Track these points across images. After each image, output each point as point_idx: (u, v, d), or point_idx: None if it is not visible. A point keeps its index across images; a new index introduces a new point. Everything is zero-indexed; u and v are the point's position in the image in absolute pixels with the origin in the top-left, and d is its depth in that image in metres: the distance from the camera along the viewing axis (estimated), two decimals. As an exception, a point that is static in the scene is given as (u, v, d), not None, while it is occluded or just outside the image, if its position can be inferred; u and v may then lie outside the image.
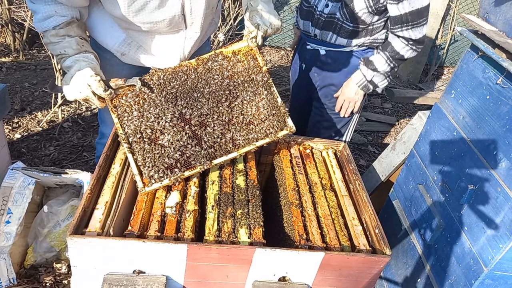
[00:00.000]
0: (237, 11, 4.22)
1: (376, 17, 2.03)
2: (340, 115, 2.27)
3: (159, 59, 1.84)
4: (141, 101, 1.60)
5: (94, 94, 1.50)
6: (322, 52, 2.19)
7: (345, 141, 2.38)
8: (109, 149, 1.64)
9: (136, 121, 1.57)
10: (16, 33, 4.24)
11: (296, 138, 1.95)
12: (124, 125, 1.57)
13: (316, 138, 2.00)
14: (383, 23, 2.07)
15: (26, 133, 3.16)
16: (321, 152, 1.98)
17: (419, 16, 1.94)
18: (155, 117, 1.58)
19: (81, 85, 1.48)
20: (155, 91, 1.61)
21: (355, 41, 2.11)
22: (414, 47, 2.02)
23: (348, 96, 2.17)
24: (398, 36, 2.01)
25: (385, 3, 1.95)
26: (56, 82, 3.16)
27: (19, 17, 4.18)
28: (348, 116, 2.28)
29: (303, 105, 2.45)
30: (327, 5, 2.08)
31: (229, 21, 4.26)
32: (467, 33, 1.57)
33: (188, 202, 1.52)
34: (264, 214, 1.51)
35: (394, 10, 1.95)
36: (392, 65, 2.07)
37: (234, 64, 1.70)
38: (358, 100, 2.17)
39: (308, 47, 2.24)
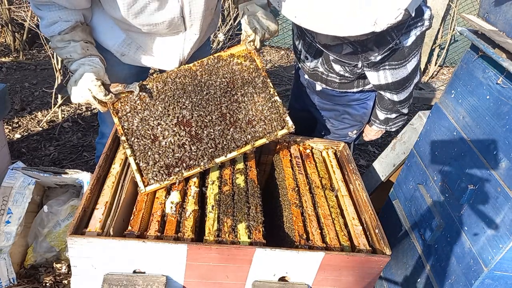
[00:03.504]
0: (237, 11, 4.22)
1: (359, 70, 1.83)
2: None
3: (159, 60, 1.85)
4: (142, 104, 1.62)
5: (95, 98, 1.53)
6: (318, 88, 2.06)
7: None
8: (109, 149, 1.64)
9: (137, 123, 1.59)
10: (16, 33, 4.24)
11: (296, 138, 1.95)
12: (125, 127, 1.59)
13: (316, 138, 2.00)
14: None
15: (26, 133, 3.16)
16: (321, 152, 1.98)
17: (404, 82, 1.77)
18: (155, 119, 1.60)
19: (83, 90, 1.52)
20: (155, 94, 1.63)
21: (349, 90, 1.97)
22: (401, 107, 1.93)
23: (373, 138, 2.27)
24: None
25: (363, 68, 1.76)
26: (57, 82, 3.17)
27: (19, 17, 4.18)
28: (353, 137, 2.24)
29: (301, 110, 2.32)
30: (307, 58, 1.93)
31: (229, 21, 4.26)
32: (467, 33, 1.57)
33: (188, 202, 1.52)
34: (264, 214, 1.51)
35: (373, 79, 1.78)
36: (395, 113, 2.01)
37: (233, 67, 1.72)
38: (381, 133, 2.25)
39: (306, 76, 2.08)
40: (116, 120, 1.60)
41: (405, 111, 2.01)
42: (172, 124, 1.59)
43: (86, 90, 1.51)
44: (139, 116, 1.60)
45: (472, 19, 1.63)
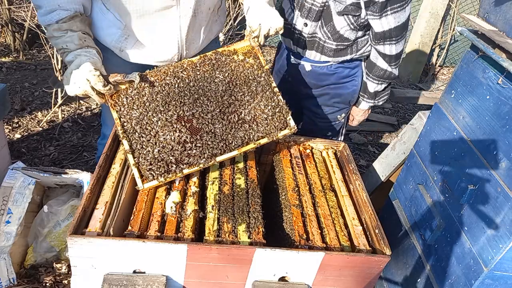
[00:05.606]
0: (237, 11, 4.22)
1: (360, 33, 1.97)
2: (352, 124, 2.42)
3: (158, 49, 1.80)
4: (141, 98, 1.58)
5: (93, 89, 1.49)
6: (308, 68, 2.13)
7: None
8: (109, 149, 1.64)
9: (136, 117, 1.56)
10: (16, 33, 4.24)
11: (296, 138, 1.95)
12: (124, 122, 1.56)
13: (316, 138, 2.00)
14: (367, 37, 2.02)
15: (26, 133, 3.16)
16: (321, 152, 1.98)
17: (402, 29, 1.90)
18: (155, 114, 1.56)
19: (80, 80, 1.47)
20: (155, 88, 1.60)
21: (340, 58, 2.06)
22: (394, 64, 2.01)
23: (361, 119, 2.35)
24: (379, 53, 1.99)
25: (366, 18, 1.88)
26: (59, 79, 3.17)
27: (19, 17, 4.18)
28: (341, 121, 2.31)
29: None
30: (305, 24, 2.00)
31: (229, 21, 4.25)
32: (467, 33, 1.57)
33: (188, 202, 1.52)
34: (264, 214, 1.51)
35: (377, 26, 1.89)
36: (385, 83, 2.10)
37: (236, 63, 1.70)
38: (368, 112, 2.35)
39: (292, 61, 2.17)
40: (114, 114, 1.56)
41: (396, 72, 2.06)
42: (172, 120, 1.56)
43: (84, 80, 1.46)
44: (138, 110, 1.56)
45: (472, 19, 1.63)
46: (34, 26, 3.75)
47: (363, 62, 2.15)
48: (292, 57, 2.17)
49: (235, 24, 4.32)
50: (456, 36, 5.36)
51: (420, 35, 5.03)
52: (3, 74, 3.93)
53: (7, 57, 4.25)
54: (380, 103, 2.22)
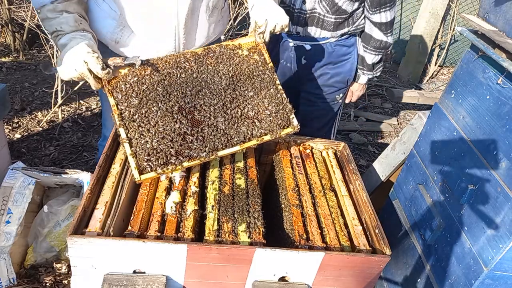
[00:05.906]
0: (237, 11, 4.22)
1: (357, 4, 2.09)
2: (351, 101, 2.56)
3: (153, 35, 1.75)
4: (141, 86, 1.53)
5: (90, 72, 1.41)
6: (307, 47, 2.22)
7: (336, 128, 2.58)
8: (109, 149, 1.64)
9: (134, 105, 1.50)
10: (16, 33, 4.24)
11: (296, 138, 1.95)
12: (122, 109, 1.50)
13: (316, 138, 2.00)
14: (362, 9, 2.15)
15: (26, 133, 3.16)
16: (321, 152, 1.98)
17: None
18: (155, 104, 1.51)
19: (77, 61, 1.39)
20: (156, 77, 1.55)
21: (339, 32, 2.17)
22: (389, 32, 2.15)
23: (360, 94, 2.49)
24: (375, 24, 2.12)
25: None
26: (57, 82, 3.16)
27: (19, 17, 4.18)
28: (339, 101, 2.43)
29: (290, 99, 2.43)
30: (304, 2, 2.10)
31: (229, 21, 4.25)
32: (467, 33, 1.57)
33: (188, 202, 1.51)
34: (264, 214, 1.51)
35: None
36: (381, 54, 2.23)
37: (240, 58, 1.68)
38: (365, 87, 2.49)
39: (291, 44, 2.25)
40: (111, 100, 1.49)
41: (390, 40, 2.20)
42: (173, 110, 1.52)
43: (81, 62, 1.37)
44: (138, 98, 1.51)
45: (472, 19, 1.63)
46: (34, 26, 3.75)
47: (357, 39, 2.26)
48: (291, 40, 2.25)
49: (235, 24, 4.32)
50: (456, 36, 5.36)
51: (420, 35, 5.03)
52: (3, 74, 3.93)
53: (7, 57, 4.25)
54: (378, 74, 2.36)
